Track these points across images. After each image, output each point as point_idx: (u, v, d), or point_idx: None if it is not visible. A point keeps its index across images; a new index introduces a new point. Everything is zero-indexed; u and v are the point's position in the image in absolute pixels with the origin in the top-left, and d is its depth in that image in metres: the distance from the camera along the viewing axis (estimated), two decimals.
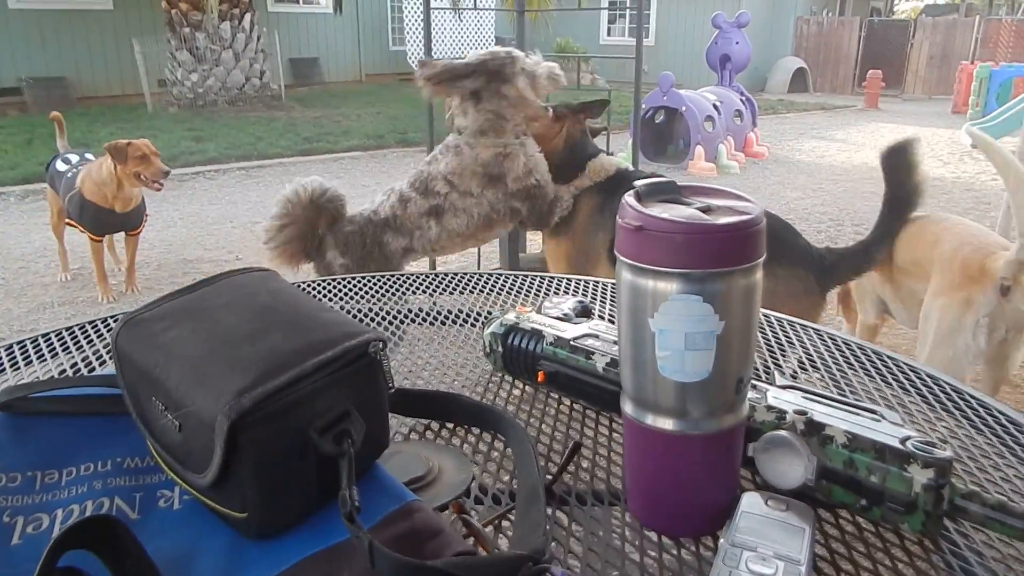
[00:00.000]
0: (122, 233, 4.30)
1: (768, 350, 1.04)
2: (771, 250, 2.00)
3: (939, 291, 2.22)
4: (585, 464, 0.74)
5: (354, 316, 1.15)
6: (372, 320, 1.14)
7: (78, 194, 3.95)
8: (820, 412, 0.68)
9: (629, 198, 0.59)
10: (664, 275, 0.56)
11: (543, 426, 0.81)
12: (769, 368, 0.97)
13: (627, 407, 0.63)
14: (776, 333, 1.09)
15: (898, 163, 2.19)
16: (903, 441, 0.63)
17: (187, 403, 0.52)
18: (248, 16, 12.56)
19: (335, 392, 0.55)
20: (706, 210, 0.58)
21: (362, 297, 1.24)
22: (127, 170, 3.88)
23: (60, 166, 4.18)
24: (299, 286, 1.28)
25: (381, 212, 2.25)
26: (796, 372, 0.98)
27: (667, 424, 0.61)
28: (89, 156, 4.25)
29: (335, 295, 1.24)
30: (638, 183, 0.61)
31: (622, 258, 0.58)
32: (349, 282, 1.30)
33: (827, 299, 2.09)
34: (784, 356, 1.02)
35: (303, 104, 13.10)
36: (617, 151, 7.25)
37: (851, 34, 19.46)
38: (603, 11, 18.19)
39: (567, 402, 0.86)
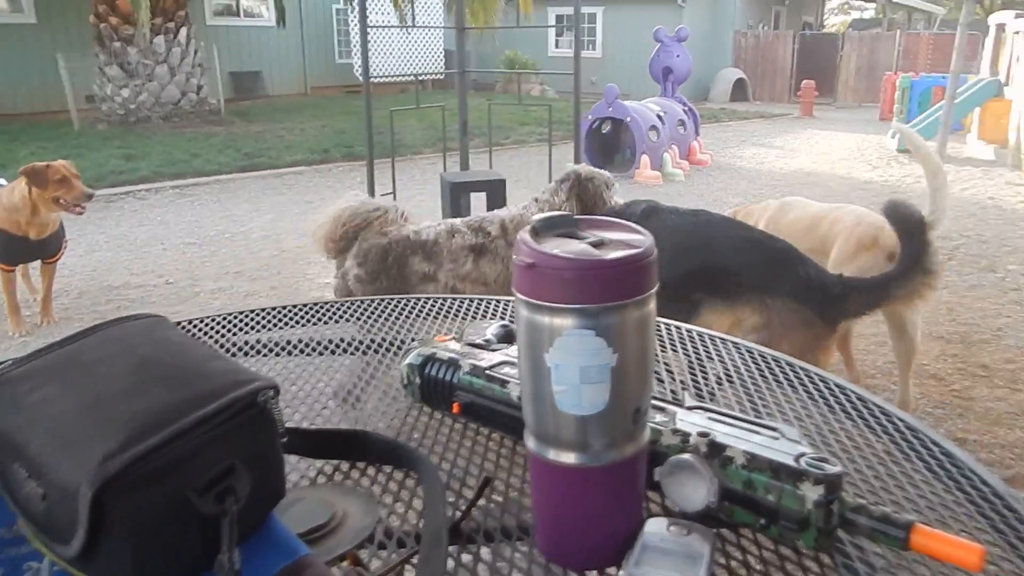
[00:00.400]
0: (38, 261, 4.02)
1: (688, 367, 1.06)
2: (767, 279, 1.95)
3: (840, 260, 2.65)
4: (500, 497, 0.74)
5: (267, 348, 1.14)
6: (294, 351, 1.13)
7: None
8: (722, 433, 0.69)
9: (524, 234, 0.60)
10: (556, 311, 0.57)
11: (459, 460, 0.81)
12: (687, 386, 1.00)
13: (530, 442, 0.64)
14: (696, 348, 1.12)
15: (901, 215, 1.99)
16: (797, 459, 0.65)
17: (50, 470, 0.49)
18: (184, 30, 12.29)
19: (219, 447, 0.53)
20: (599, 244, 0.60)
21: (282, 327, 1.23)
22: (46, 195, 3.60)
23: None
24: (212, 320, 1.26)
25: (423, 234, 2.37)
26: (714, 388, 1.00)
27: (569, 458, 0.61)
28: (1, 180, 3.97)
29: (259, 327, 1.23)
30: (534, 218, 0.62)
31: (518, 295, 0.59)
32: (271, 313, 1.29)
33: (835, 330, 1.97)
34: (704, 372, 1.05)
35: (244, 118, 12.87)
36: (564, 161, 7.31)
37: (786, 46, 20.14)
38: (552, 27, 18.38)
39: (487, 432, 0.86)
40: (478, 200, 3.39)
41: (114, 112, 11.92)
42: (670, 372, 1.07)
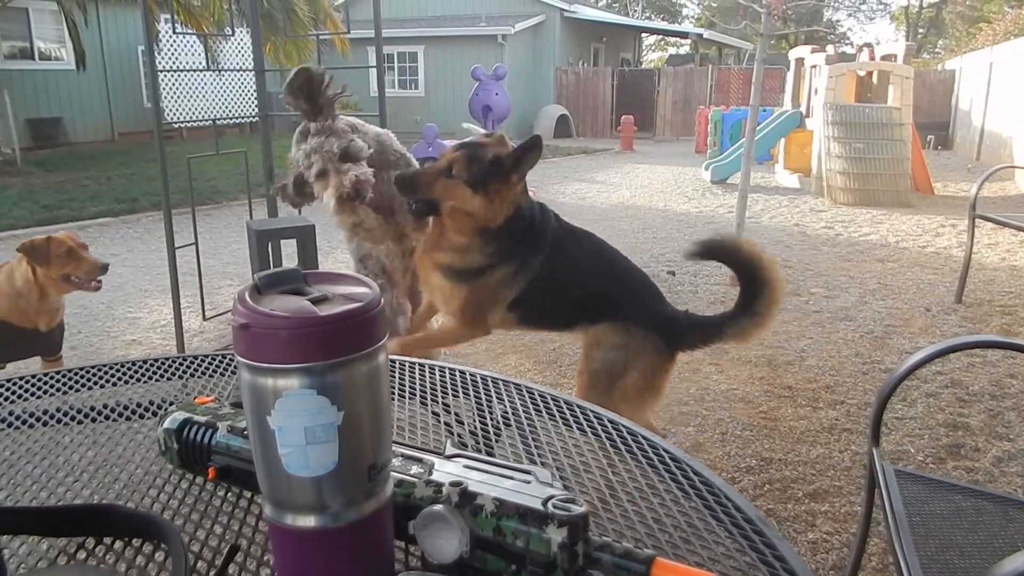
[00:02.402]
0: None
1: (477, 407, 1.08)
2: (632, 310, 2.17)
3: None
4: (253, 564, 0.72)
5: (62, 414, 1.06)
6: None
7: None
8: (476, 481, 0.71)
9: (243, 293, 0.59)
10: (275, 372, 0.56)
11: (216, 527, 0.79)
12: (452, 434, 1.02)
13: (267, 509, 0.62)
14: (479, 392, 1.13)
15: (722, 252, 2.09)
16: (545, 502, 0.67)
17: None
18: None
19: None
20: (321, 300, 0.59)
21: (77, 390, 1.14)
22: (53, 273, 3.02)
23: None
24: None
25: None
26: (493, 432, 1.02)
27: (307, 521, 0.60)
28: None
29: (52, 391, 1.14)
30: (258, 275, 0.61)
31: (238, 358, 0.58)
32: (65, 375, 1.20)
33: (675, 359, 2.19)
34: (491, 413, 1.07)
35: (44, 168, 12.14)
36: None
37: (605, 82, 21.17)
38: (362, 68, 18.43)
39: (249, 496, 0.84)
40: (289, 248, 3.33)
41: None
42: (459, 420, 1.09)
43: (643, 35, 31.00)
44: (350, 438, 0.59)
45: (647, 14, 42.71)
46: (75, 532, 0.75)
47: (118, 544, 0.75)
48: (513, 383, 1.16)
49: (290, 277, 0.62)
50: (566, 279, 2.18)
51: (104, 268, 3.18)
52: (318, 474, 0.58)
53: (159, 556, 0.73)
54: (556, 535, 0.64)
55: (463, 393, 1.14)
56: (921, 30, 39.28)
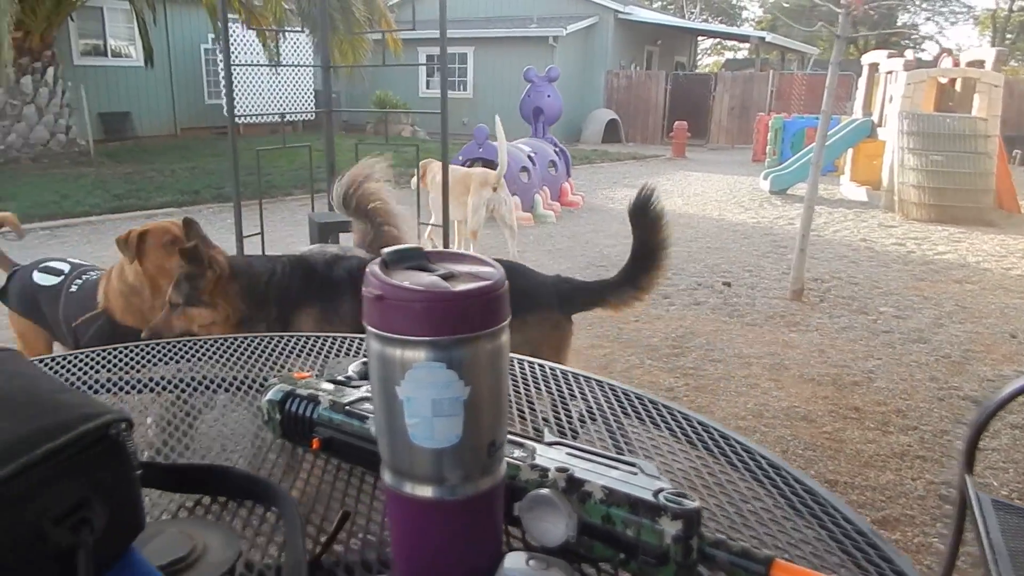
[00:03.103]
0: None
1: (551, 404, 1.10)
2: (519, 302, 2.19)
3: (473, 193, 6.63)
4: (361, 532, 0.76)
5: (133, 385, 1.12)
6: (145, 389, 1.10)
7: (104, 317, 2.80)
8: (581, 468, 0.73)
9: (374, 266, 0.62)
10: (406, 343, 0.59)
11: (320, 494, 0.83)
12: (550, 423, 1.04)
13: (386, 476, 0.65)
14: (560, 386, 1.16)
15: (644, 219, 2.26)
16: (656, 494, 0.69)
17: None
18: (51, 70, 12.70)
19: (71, 480, 0.55)
20: (449, 276, 0.62)
21: (149, 365, 1.21)
22: (162, 263, 2.78)
23: (42, 279, 2.98)
24: (75, 357, 1.22)
25: None
26: (576, 426, 1.04)
27: (425, 491, 0.63)
28: (92, 273, 3.00)
29: (125, 365, 1.19)
30: (384, 250, 0.65)
31: (369, 328, 0.61)
32: (135, 350, 1.25)
33: (571, 322, 2.35)
34: (569, 408, 1.09)
35: (114, 159, 13.06)
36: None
37: (658, 87, 21.11)
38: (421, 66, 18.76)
39: (347, 468, 0.88)
40: (347, 240, 3.42)
41: None
42: (546, 422, 1.11)
43: (699, 38, 30.87)
44: (474, 413, 0.61)
45: (704, 16, 42.52)
46: (194, 489, 0.81)
47: (231, 504, 0.80)
48: (595, 379, 1.18)
49: (414, 254, 0.65)
50: None
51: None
52: (442, 446, 0.61)
53: (270, 517, 0.78)
54: (670, 527, 0.66)
55: (545, 387, 1.16)
56: (1009, 35, 37.73)
